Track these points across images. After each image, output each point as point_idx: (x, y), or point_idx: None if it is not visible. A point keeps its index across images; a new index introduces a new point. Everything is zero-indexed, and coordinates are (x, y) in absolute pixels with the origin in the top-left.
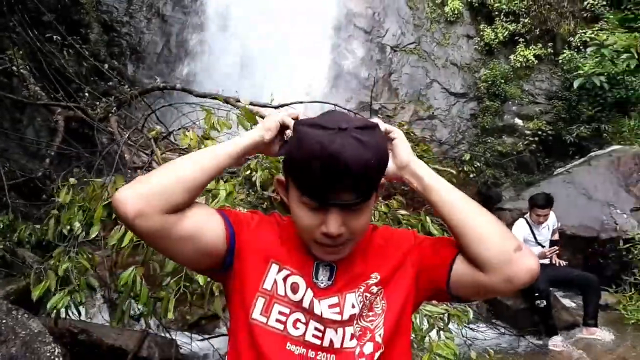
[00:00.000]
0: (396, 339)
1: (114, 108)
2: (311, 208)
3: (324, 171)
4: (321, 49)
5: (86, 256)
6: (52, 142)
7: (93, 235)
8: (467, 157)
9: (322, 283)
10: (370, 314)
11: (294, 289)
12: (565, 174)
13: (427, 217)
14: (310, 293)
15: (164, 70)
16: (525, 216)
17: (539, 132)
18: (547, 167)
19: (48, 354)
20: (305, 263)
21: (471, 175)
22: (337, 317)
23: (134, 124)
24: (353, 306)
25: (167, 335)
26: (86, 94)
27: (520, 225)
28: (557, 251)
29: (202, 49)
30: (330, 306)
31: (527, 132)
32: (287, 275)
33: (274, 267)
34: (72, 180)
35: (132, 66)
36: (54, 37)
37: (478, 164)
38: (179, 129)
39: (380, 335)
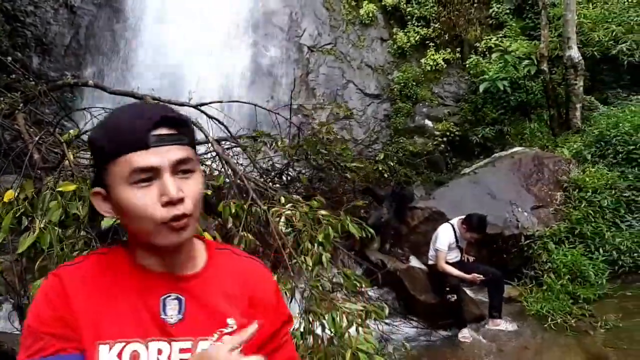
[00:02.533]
0: None
1: (21, 104)
2: (143, 182)
3: (138, 117)
4: (239, 46)
5: None
6: None
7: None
8: (381, 156)
9: (171, 318)
10: None
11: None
12: (472, 175)
13: (347, 217)
14: (157, 342)
15: (72, 63)
16: (451, 222)
17: (447, 133)
18: (455, 166)
19: None
20: (144, 305)
21: (385, 175)
22: None
23: (43, 121)
24: None
25: None
26: None
27: (446, 231)
28: (478, 279)
29: (115, 44)
30: (182, 351)
31: (437, 132)
32: (122, 349)
33: (103, 350)
34: None
35: (37, 59)
36: None
37: (391, 163)
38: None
39: None
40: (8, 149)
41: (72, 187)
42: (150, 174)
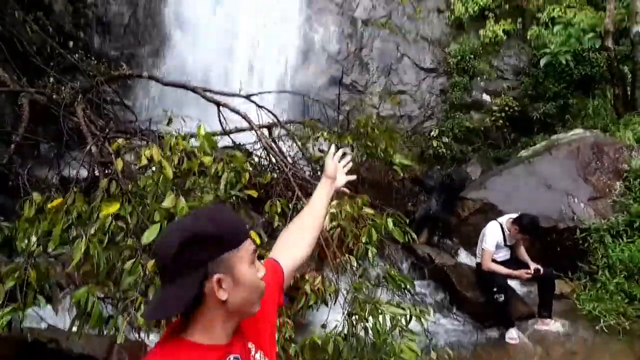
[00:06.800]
0: None
1: (80, 96)
2: (252, 259)
3: (234, 216)
4: (293, 23)
5: (40, 271)
6: (15, 131)
7: (51, 249)
8: (436, 132)
9: None
10: None
11: None
12: (527, 163)
13: (390, 218)
14: None
15: (131, 41)
16: (499, 221)
17: (506, 108)
18: (514, 142)
19: None
20: None
21: (440, 151)
22: None
23: (101, 111)
24: None
25: (137, 337)
26: (51, 79)
27: (494, 230)
28: (526, 275)
29: (169, 24)
30: None
31: (495, 107)
32: None
33: None
34: (36, 196)
35: (98, 38)
36: (16, 12)
37: (447, 139)
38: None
39: None
40: (69, 139)
41: (115, 207)
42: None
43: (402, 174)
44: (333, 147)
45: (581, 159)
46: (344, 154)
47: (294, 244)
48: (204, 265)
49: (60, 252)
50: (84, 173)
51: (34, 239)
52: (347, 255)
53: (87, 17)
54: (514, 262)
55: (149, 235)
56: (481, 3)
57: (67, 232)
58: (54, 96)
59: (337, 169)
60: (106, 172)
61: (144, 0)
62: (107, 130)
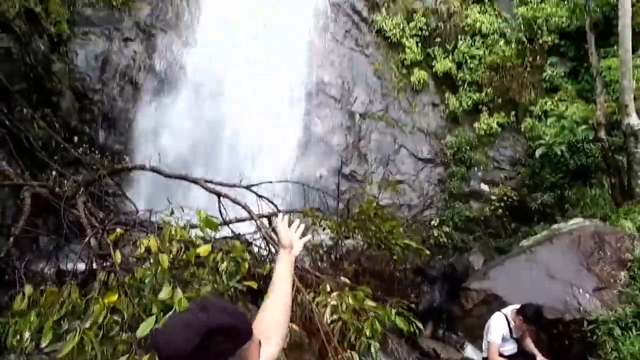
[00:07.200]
0: None
1: (82, 189)
2: (259, 350)
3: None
4: (294, 116)
5: None
6: (15, 224)
7: (44, 345)
8: (436, 221)
9: None
10: None
11: None
12: (528, 253)
13: (393, 310)
14: None
15: (134, 136)
16: (504, 312)
17: (505, 198)
18: (514, 232)
19: None
20: None
21: (441, 240)
22: None
23: (102, 203)
24: None
25: None
26: (54, 172)
27: (499, 322)
28: None
29: (174, 117)
30: None
31: (493, 197)
32: None
33: None
34: (28, 289)
35: (103, 133)
36: (24, 109)
37: (447, 228)
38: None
39: None
40: (68, 232)
41: (114, 298)
42: None
43: (404, 265)
44: (280, 215)
45: (583, 249)
46: (292, 221)
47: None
48: (225, 358)
49: (53, 349)
50: (81, 266)
51: (27, 334)
52: (349, 350)
53: (93, 113)
54: (521, 355)
55: (144, 328)
56: (474, 97)
57: (60, 325)
58: (56, 189)
59: (291, 236)
60: (104, 264)
61: (149, 96)
62: (106, 222)
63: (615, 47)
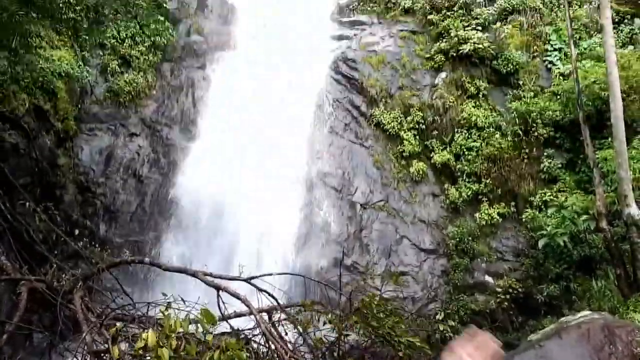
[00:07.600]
0: None
1: (80, 283)
2: None
3: None
4: (294, 207)
5: None
6: (10, 320)
7: None
8: (441, 315)
9: None
10: None
11: None
12: (537, 348)
13: None
14: None
15: (136, 229)
16: None
17: (510, 290)
18: (521, 326)
19: None
20: None
21: (447, 335)
22: None
23: (100, 297)
24: None
25: None
26: (53, 266)
27: None
28: None
29: (174, 208)
30: None
31: (498, 289)
32: None
33: None
34: None
35: (104, 226)
36: (27, 203)
37: (452, 322)
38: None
39: None
40: (64, 328)
41: None
42: None
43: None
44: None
45: (593, 343)
46: None
47: None
48: None
49: None
50: None
51: None
52: None
53: (95, 206)
54: None
55: None
56: (474, 188)
57: None
58: (54, 283)
59: None
60: None
61: (152, 188)
62: (104, 317)
63: (609, 139)
